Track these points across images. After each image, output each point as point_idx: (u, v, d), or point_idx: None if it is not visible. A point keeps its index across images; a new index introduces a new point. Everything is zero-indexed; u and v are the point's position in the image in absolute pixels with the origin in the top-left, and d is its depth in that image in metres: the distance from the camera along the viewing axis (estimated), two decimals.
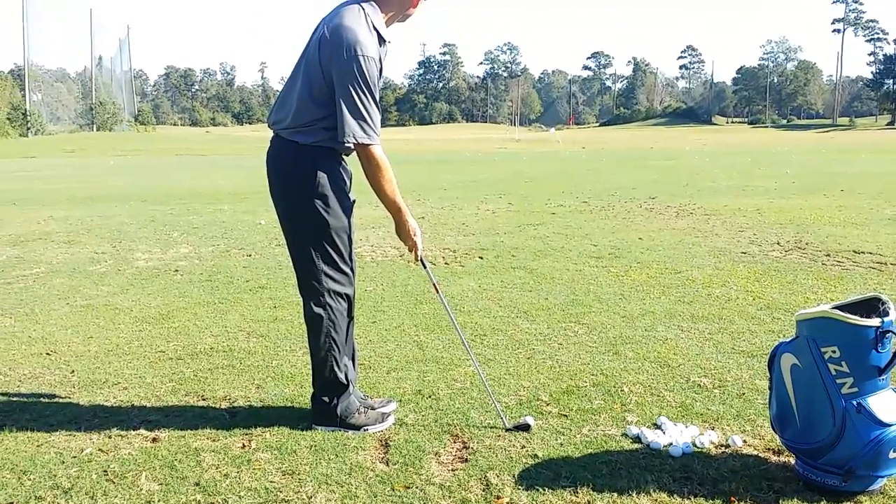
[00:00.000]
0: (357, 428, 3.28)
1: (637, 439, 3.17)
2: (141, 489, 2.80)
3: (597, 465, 2.93)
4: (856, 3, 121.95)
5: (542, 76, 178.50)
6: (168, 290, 6.24)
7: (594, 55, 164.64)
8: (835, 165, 22.86)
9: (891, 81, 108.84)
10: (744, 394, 3.68)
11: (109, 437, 3.27)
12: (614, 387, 3.80)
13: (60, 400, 3.75)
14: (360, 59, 2.96)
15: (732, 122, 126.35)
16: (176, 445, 3.17)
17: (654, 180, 17.68)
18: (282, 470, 2.95)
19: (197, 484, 2.84)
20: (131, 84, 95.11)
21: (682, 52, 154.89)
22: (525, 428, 3.26)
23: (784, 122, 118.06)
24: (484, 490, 2.77)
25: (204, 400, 3.73)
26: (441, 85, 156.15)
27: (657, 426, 3.28)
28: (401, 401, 3.65)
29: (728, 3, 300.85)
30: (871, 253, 7.35)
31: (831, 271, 6.54)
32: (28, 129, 63.69)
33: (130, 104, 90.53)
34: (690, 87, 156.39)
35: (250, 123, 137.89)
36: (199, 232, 9.71)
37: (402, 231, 3.28)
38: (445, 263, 7.23)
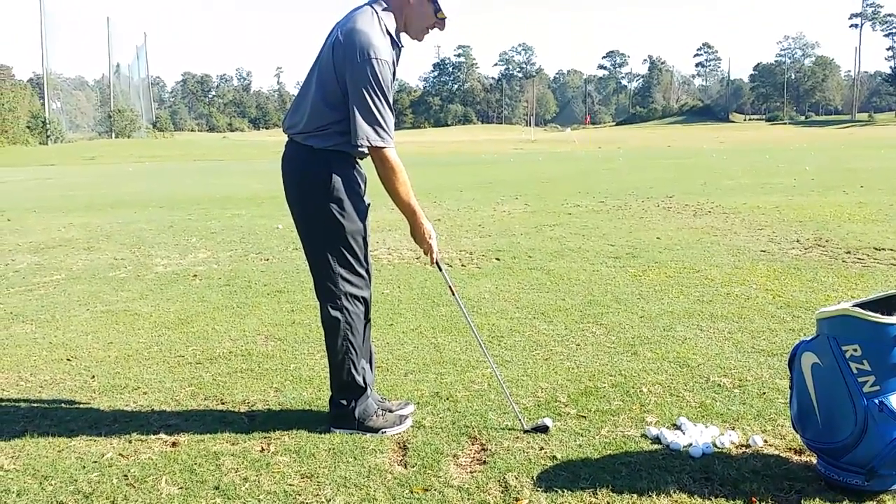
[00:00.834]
0: (375, 430, 3.29)
1: (656, 440, 3.15)
2: (161, 493, 2.82)
3: (616, 467, 2.91)
4: None
5: (557, 76, 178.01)
6: (187, 295, 6.28)
7: (609, 54, 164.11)
8: (854, 162, 22.66)
9: None
10: (764, 393, 3.65)
11: (129, 442, 3.29)
12: (633, 387, 3.78)
13: (81, 405, 3.78)
14: (374, 62, 2.96)
15: (750, 120, 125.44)
16: (195, 449, 3.19)
17: (672, 179, 17.58)
18: (301, 473, 2.95)
19: (216, 487, 2.85)
20: (149, 91, 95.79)
21: (698, 50, 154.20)
22: (543, 429, 3.25)
23: (802, 118, 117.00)
24: (502, 492, 2.76)
25: (223, 404, 3.74)
26: (456, 87, 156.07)
27: (677, 426, 3.26)
28: (418, 403, 3.65)
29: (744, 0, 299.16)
30: (891, 250, 7.27)
31: (852, 269, 6.47)
32: (48, 137, 64.27)
33: (148, 111, 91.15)
34: (707, 84, 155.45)
35: (267, 128, 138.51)
36: (218, 237, 9.77)
37: (417, 234, 3.28)
38: (462, 265, 7.22)
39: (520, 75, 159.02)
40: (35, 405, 3.80)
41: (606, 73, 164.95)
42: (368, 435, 3.27)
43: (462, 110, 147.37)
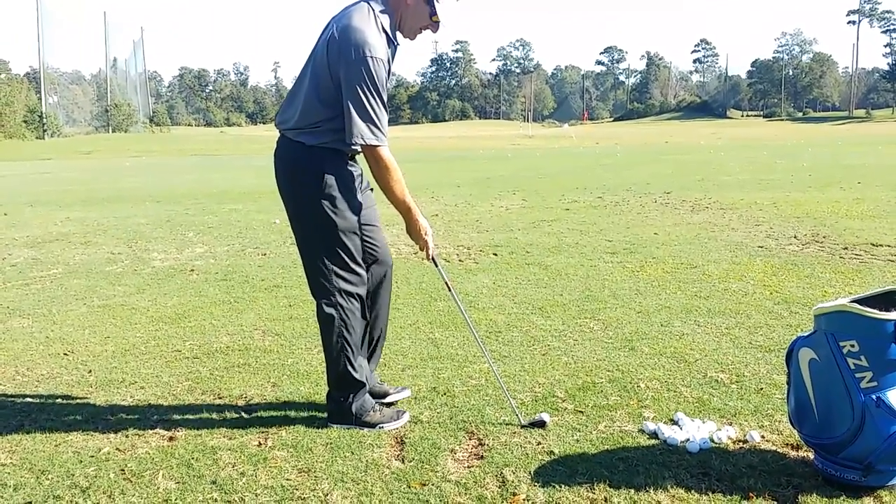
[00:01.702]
0: (372, 426, 3.28)
1: (654, 435, 3.15)
2: (158, 488, 2.81)
3: (613, 462, 2.91)
4: None
5: (554, 72, 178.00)
6: (184, 290, 6.27)
7: (607, 50, 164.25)
8: (851, 158, 22.68)
9: None
10: (761, 389, 3.65)
11: (126, 437, 3.28)
12: (630, 383, 3.78)
13: (78, 400, 3.78)
14: (369, 60, 2.95)
15: (747, 116, 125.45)
16: (193, 444, 3.18)
17: (669, 175, 17.59)
18: (298, 468, 2.95)
19: (214, 482, 2.84)
20: (146, 85, 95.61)
21: (695, 46, 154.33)
22: (541, 424, 3.25)
23: (800, 114, 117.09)
24: (500, 487, 2.76)
25: (220, 398, 3.74)
26: (454, 82, 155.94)
27: (674, 422, 3.26)
28: (416, 398, 3.65)
29: None
30: (889, 246, 7.28)
31: (849, 264, 6.48)
32: (44, 131, 64.13)
33: (145, 105, 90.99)
34: (705, 80, 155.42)
35: (264, 123, 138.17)
36: (215, 231, 9.76)
37: (412, 230, 3.29)
38: (460, 260, 7.22)
39: (518, 71, 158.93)
40: (32, 400, 3.79)
41: (604, 68, 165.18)
42: (366, 430, 3.27)
43: (460, 106, 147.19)
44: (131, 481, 2.87)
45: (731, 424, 3.23)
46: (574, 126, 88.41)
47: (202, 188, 17.17)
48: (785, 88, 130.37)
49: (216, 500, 2.72)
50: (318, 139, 3.12)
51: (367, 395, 3.36)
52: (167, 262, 7.63)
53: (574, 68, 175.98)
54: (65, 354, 4.54)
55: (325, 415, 3.39)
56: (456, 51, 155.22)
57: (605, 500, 2.64)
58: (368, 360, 3.55)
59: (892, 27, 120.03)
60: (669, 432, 3.12)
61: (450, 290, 3.47)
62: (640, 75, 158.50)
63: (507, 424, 3.31)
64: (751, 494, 2.64)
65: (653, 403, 3.51)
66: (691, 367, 3.99)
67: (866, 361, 2.58)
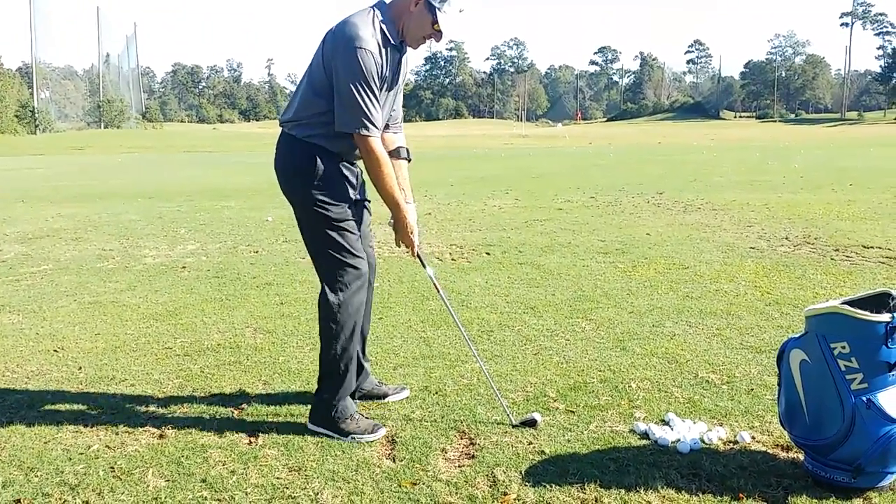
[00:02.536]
0: (345, 434, 3.21)
1: (645, 436, 3.15)
2: (148, 486, 2.80)
3: (604, 462, 2.92)
4: None
5: (548, 71, 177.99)
6: (175, 287, 6.25)
7: (601, 50, 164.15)
8: (844, 160, 22.77)
9: None
10: (752, 390, 3.66)
11: (116, 434, 3.27)
12: (622, 383, 3.79)
13: (67, 396, 3.76)
14: (358, 51, 2.97)
15: (740, 117, 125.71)
16: (183, 442, 3.17)
17: (662, 175, 17.63)
18: (288, 466, 2.94)
19: (204, 480, 2.83)
20: (139, 81, 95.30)
21: (689, 47, 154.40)
22: (532, 424, 3.25)
23: (792, 116, 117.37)
24: (491, 486, 2.76)
25: (211, 396, 3.73)
26: (448, 80, 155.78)
27: (665, 422, 3.27)
28: (407, 397, 3.64)
29: None
30: (880, 248, 7.31)
31: (840, 266, 6.50)
32: (36, 126, 63.88)
33: (138, 101, 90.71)
34: (698, 81, 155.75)
35: (257, 120, 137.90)
36: (207, 229, 9.73)
37: (399, 227, 3.33)
38: (452, 259, 7.22)
39: (511, 70, 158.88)
40: (21, 396, 3.77)
41: (598, 68, 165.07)
42: (337, 437, 3.20)
43: (453, 104, 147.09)
44: (121, 479, 2.85)
45: (721, 425, 3.24)
46: (567, 126, 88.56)
47: (194, 185, 17.12)
48: (778, 90, 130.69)
49: (206, 499, 2.71)
50: (311, 131, 3.17)
51: (349, 400, 3.33)
52: (158, 259, 7.60)
53: (568, 68, 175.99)
54: (55, 351, 4.52)
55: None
56: (450, 49, 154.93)
57: (596, 500, 2.64)
58: (360, 364, 3.55)
59: (884, 30, 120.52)
60: (660, 433, 3.12)
61: (438, 290, 3.47)
62: (633, 75, 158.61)
63: (498, 424, 3.30)
64: (741, 495, 2.64)
65: (644, 404, 3.51)
66: (682, 368, 4.00)
67: (857, 363, 2.59)
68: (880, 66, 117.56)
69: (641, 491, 2.68)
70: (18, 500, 2.72)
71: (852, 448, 2.59)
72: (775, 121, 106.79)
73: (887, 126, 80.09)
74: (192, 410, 3.54)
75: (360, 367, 3.58)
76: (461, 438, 3.18)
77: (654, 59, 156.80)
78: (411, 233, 3.32)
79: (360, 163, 3.33)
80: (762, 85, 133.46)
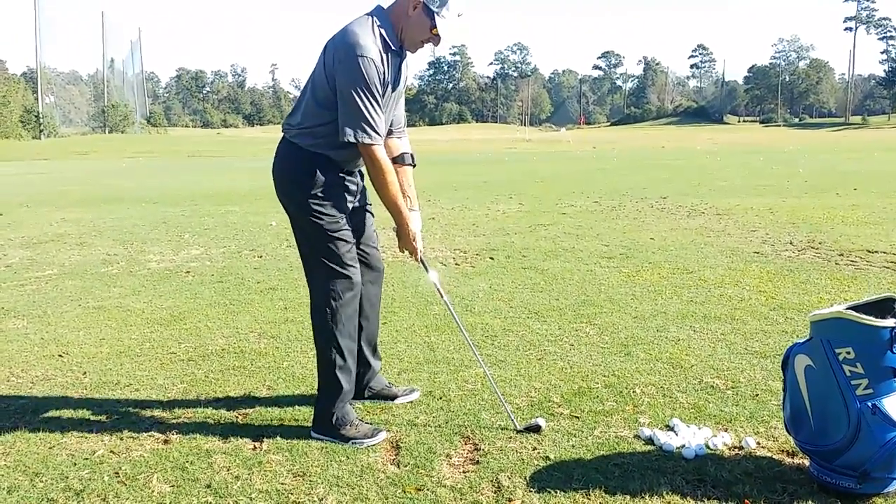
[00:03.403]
0: (346, 440, 3.21)
1: (649, 441, 3.15)
2: (152, 491, 2.80)
3: (609, 468, 2.91)
4: (868, 1, 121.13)
5: (552, 76, 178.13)
6: (179, 292, 6.26)
7: (605, 54, 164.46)
8: (848, 164, 22.74)
9: None
10: (757, 395, 3.65)
11: (121, 439, 3.27)
12: (626, 388, 3.78)
13: (72, 402, 3.76)
14: (360, 60, 2.98)
15: (744, 122, 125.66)
16: (187, 447, 3.17)
17: (666, 180, 17.62)
18: (293, 472, 2.94)
19: (208, 486, 2.83)
20: (143, 86, 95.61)
21: (693, 51, 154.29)
22: (536, 429, 3.25)
23: (796, 120, 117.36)
24: (495, 492, 2.75)
25: (215, 401, 3.72)
26: (451, 85, 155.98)
27: (670, 428, 3.26)
28: (411, 402, 3.64)
29: (739, 2, 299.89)
30: (884, 252, 7.29)
31: (845, 271, 6.48)
32: (41, 131, 64.09)
33: (142, 106, 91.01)
34: (702, 86, 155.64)
35: (261, 125, 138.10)
36: (211, 233, 9.74)
37: (402, 233, 3.34)
38: (456, 264, 7.22)
39: (515, 74, 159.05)
40: (26, 401, 3.77)
41: (601, 73, 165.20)
42: (339, 443, 3.20)
43: (457, 109, 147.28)
44: (125, 484, 2.86)
45: (726, 431, 3.23)
46: (571, 130, 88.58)
47: (198, 190, 17.15)
48: (782, 94, 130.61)
49: None
50: (314, 140, 3.17)
51: (349, 407, 3.33)
52: (163, 264, 7.61)
53: (571, 73, 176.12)
54: (59, 356, 4.53)
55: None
56: (454, 54, 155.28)
57: None
58: (368, 363, 3.57)
59: (888, 34, 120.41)
60: (665, 438, 3.11)
61: (441, 295, 3.47)
62: (637, 80, 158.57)
63: (502, 429, 3.30)
64: (746, 501, 2.63)
65: (648, 409, 3.50)
66: (687, 373, 3.99)
67: (862, 368, 2.58)
68: (884, 71, 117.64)
69: (646, 497, 2.67)
70: None
71: (858, 453, 2.59)
72: (779, 125, 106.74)
73: (891, 130, 79.99)
74: (196, 415, 3.54)
75: (368, 367, 3.59)
76: (465, 444, 3.18)
77: (657, 64, 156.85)
78: (413, 239, 3.33)
79: (361, 169, 3.34)
80: (766, 89, 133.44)
